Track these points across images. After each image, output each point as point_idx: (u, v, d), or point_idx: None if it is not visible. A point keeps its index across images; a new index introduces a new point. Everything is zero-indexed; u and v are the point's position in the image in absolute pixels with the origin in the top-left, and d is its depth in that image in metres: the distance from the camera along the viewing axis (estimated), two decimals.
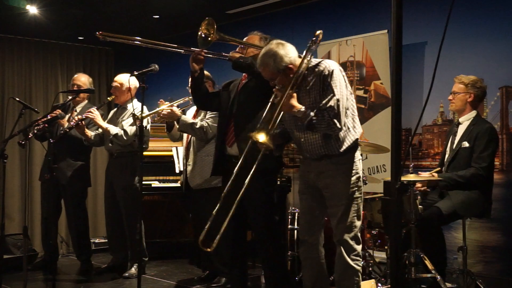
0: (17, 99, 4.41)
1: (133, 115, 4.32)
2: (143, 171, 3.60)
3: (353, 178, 2.89)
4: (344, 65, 4.89)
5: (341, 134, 2.85)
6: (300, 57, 2.90)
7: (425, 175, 3.65)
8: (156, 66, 3.60)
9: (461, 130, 3.71)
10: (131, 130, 4.51)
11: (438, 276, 3.33)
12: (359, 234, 2.92)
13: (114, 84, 4.75)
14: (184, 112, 4.37)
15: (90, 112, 4.54)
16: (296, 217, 4.04)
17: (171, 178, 5.58)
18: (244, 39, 3.50)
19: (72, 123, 4.49)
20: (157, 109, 4.19)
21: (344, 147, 2.86)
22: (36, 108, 4.85)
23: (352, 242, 2.87)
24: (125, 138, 4.52)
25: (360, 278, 2.93)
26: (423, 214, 3.44)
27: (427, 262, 3.37)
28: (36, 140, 4.66)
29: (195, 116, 4.31)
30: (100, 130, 4.65)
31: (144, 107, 3.74)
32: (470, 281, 3.54)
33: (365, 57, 4.86)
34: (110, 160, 4.87)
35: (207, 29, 3.27)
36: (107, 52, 7.36)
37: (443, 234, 3.65)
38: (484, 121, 3.75)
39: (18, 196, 6.29)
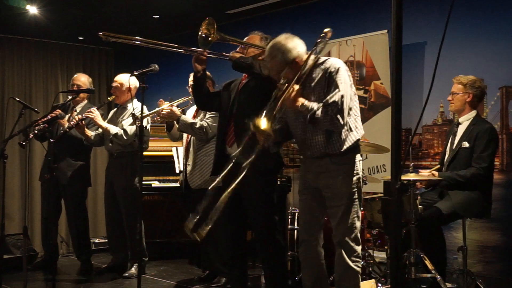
0: (17, 99, 4.41)
1: (133, 115, 4.32)
2: (143, 171, 3.60)
3: (354, 179, 2.89)
4: None
5: (343, 133, 2.85)
6: (307, 53, 2.91)
7: (425, 173, 3.64)
8: (156, 66, 3.60)
9: (461, 130, 3.71)
10: (131, 129, 4.51)
11: (438, 276, 3.33)
12: (359, 235, 2.92)
13: (114, 84, 4.75)
14: (184, 112, 4.37)
15: (90, 112, 4.54)
16: (296, 217, 4.04)
17: (171, 178, 5.58)
18: (245, 39, 3.50)
19: (72, 123, 4.49)
20: (157, 109, 4.19)
21: (345, 147, 2.85)
22: (36, 108, 4.85)
23: (352, 244, 2.87)
24: (125, 137, 4.52)
25: (360, 279, 2.93)
26: (423, 214, 3.44)
27: (427, 262, 3.37)
28: (36, 140, 4.66)
29: (195, 116, 4.32)
30: (100, 130, 4.65)
31: (144, 107, 3.74)
32: (470, 281, 3.54)
33: (365, 57, 4.86)
34: (110, 160, 4.87)
35: (207, 29, 3.27)
36: (107, 52, 7.36)
37: (443, 234, 3.65)
38: (484, 121, 3.75)
39: (18, 196, 6.29)
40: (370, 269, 3.87)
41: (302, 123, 2.91)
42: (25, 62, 6.57)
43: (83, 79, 4.91)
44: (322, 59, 2.92)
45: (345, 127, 2.84)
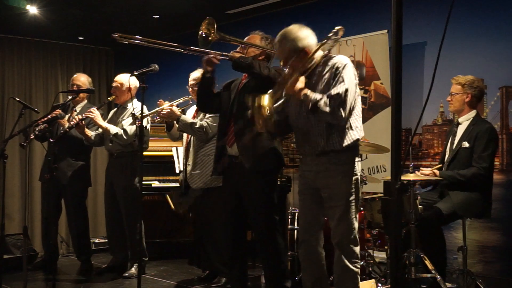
0: (17, 99, 4.41)
1: (133, 114, 4.32)
2: (143, 171, 3.60)
3: (353, 179, 2.89)
4: None
5: (343, 130, 2.85)
6: (317, 45, 2.92)
7: (426, 171, 3.64)
8: (156, 66, 3.60)
9: (460, 130, 3.71)
10: (131, 129, 4.51)
11: (438, 276, 3.33)
12: (357, 235, 2.92)
13: (114, 84, 4.75)
14: (184, 112, 4.37)
15: (90, 112, 4.54)
16: (296, 217, 4.04)
17: (171, 178, 5.58)
18: (245, 39, 3.50)
19: (72, 123, 4.49)
20: (157, 108, 4.19)
21: (344, 144, 2.85)
22: (36, 108, 4.85)
23: (351, 245, 2.87)
24: (125, 137, 4.52)
25: (359, 280, 2.93)
26: (423, 214, 3.44)
27: (427, 262, 3.37)
28: (37, 141, 4.66)
29: (195, 116, 4.31)
30: (100, 130, 4.65)
31: (144, 107, 3.74)
32: (470, 281, 3.54)
33: (365, 57, 4.86)
34: (110, 160, 4.87)
35: (207, 29, 3.27)
36: (107, 52, 7.36)
37: (443, 234, 3.66)
38: (484, 121, 3.75)
39: (18, 196, 6.29)
40: (370, 269, 3.87)
41: (304, 117, 2.91)
42: (25, 62, 6.57)
43: (82, 79, 4.91)
44: (330, 56, 2.94)
45: (346, 125, 2.84)
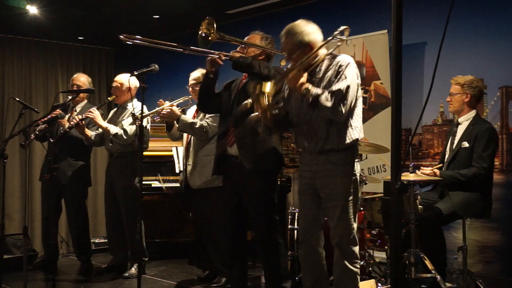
0: (17, 99, 4.41)
1: (133, 114, 4.32)
2: (143, 171, 3.60)
3: (351, 179, 2.89)
4: None
5: (344, 129, 2.85)
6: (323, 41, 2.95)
7: (426, 170, 3.64)
8: (156, 66, 3.60)
9: (460, 130, 3.71)
10: (131, 129, 4.51)
11: (438, 276, 3.33)
12: (356, 236, 2.92)
13: (114, 84, 4.75)
14: (184, 112, 4.37)
15: (90, 112, 4.54)
16: (296, 217, 4.04)
17: (171, 178, 5.58)
18: (245, 39, 3.50)
19: (72, 123, 4.49)
20: (157, 108, 4.19)
21: (344, 143, 2.86)
22: (36, 108, 4.85)
23: (350, 245, 2.88)
24: (125, 137, 4.52)
25: (359, 280, 2.93)
26: (423, 214, 3.44)
27: (427, 262, 3.37)
28: (37, 141, 4.66)
29: (195, 116, 4.31)
30: (100, 130, 4.65)
31: (144, 106, 3.74)
32: (470, 281, 3.54)
33: (365, 57, 4.86)
34: (110, 160, 4.87)
35: (207, 28, 3.27)
36: (107, 52, 7.36)
37: (443, 234, 3.66)
38: (484, 121, 3.75)
39: (18, 196, 6.29)
40: (370, 269, 3.87)
41: (305, 114, 2.92)
42: (25, 62, 6.57)
43: (82, 79, 4.91)
44: (334, 55, 2.96)
45: (346, 124, 2.85)
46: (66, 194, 4.80)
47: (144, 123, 4.22)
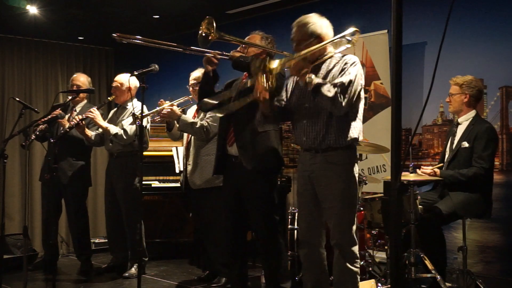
0: (17, 99, 4.41)
1: (133, 114, 4.32)
2: (143, 171, 3.60)
3: (350, 180, 2.89)
4: None
5: (343, 128, 2.85)
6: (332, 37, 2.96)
7: (427, 170, 3.64)
8: (156, 66, 3.60)
9: (460, 130, 3.71)
10: (131, 129, 4.51)
11: (438, 276, 3.33)
12: (355, 236, 2.92)
13: (114, 84, 4.75)
14: (184, 112, 4.37)
15: (90, 112, 4.54)
16: (296, 217, 4.04)
17: (171, 178, 5.58)
18: (246, 39, 3.50)
19: (72, 123, 4.49)
20: (157, 108, 4.19)
21: (342, 142, 2.86)
22: (36, 108, 4.84)
23: (350, 245, 2.88)
24: (125, 137, 4.52)
25: (359, 279, 2.93)
26: (423, 214, 3.44)
27: (427, 262, 3.37)
28: (37, 141, 4.66)
29: (195, 116, 4.31)
30: (100, 130, 4.65)
31: (144, 106, 3.74)
32: (470, 281, 3.54)
33: (365, 57, 4.86)
34: (110, 160, 4.87)
35: (207, 28, 3.27)
36: (107, 52, 7.36)
37: (443, 234, 3.65)
38: (484, 121, 3.75)
39: (18, 196, 6.29)
40: (370, 269, 3.86)
41: (306, 108, 2.92)
42: (25, 62, 6.57)
43: (82, 79, 4.91)
44: (341, 54, 2.97)
45: (346, 123, 2.85)
46: (66, 194, 4.80)
47: (144, 123, 4.22)
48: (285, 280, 3.49)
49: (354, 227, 2.91)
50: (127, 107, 4.72)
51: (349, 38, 2.89)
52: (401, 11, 1.67)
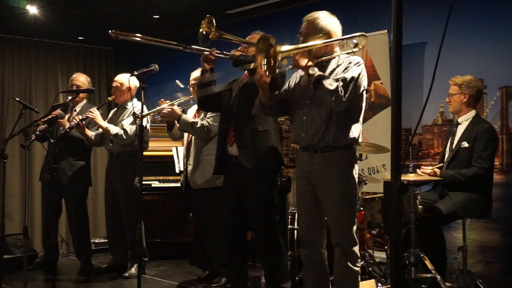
0: (17, 99, 4.41)
1: (133, 114, 4.32)
2: (143, 171, 3.60)
3: (350, 180, 2.89)
4: None
5: (343, 128, 2.85)
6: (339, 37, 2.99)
7: (427, 170, 3.64)
8: (156, 66, 3.60)
9: (460, 130, 3.71)
10: (131, 129, 4.51)
11: (438, 276, 3.33)
12: (355, 235, 2.92)
13: (114, 84, 4.75)
14: (184, 111, 4.37)
15: (90, 112, 4.54)
16: (296, 217, 4.04)
17: (171, 178, 5.58)
18: (246, 39, 3.50)
19: (72, 123, 4.49)
20: (158, 107, 4.19)
21: (341, 141, 2.86)
22: (36, 108, 4.85)
23: (350, 245, 2.88)
24: (125, 137, 4.52)
25: (359, 279, 2.93)
26: (423, 214, 3.44)
27: (427, 262, 3.37)
28: (37, 141, 4.66)
29: (196, 116, 4.31)
30: (100, 130, 4.65)
31: (144, 106, 3.74)
32: (470, 281, 3.54)
33: (365, 57, 4.85)
34: (110, 160, 4.87)
35: (208, 27, 3.27)
36: (107, 52, 7.36)
37: (443, 234, 3.65)
38: (483, 121, 3.75)
39: (18, 196, 6.29)
40: (370, 269, 3.86)
41: (307, 104, 2.92)
42: (25, 62, 6.57)
43: (82, 79, 4.91)
44: (346, 55, 2.99)
45: (347, 123, 2.85)
46: (66, 194, 4.80)
47: (144, 123, 4.22)
48: (285, 280, 3.49)
49: (355, 227, 2.91)
50: (127, 107, 4.73)
51: (355, 41, 2.90)
52: (401, 11, 1.67)
